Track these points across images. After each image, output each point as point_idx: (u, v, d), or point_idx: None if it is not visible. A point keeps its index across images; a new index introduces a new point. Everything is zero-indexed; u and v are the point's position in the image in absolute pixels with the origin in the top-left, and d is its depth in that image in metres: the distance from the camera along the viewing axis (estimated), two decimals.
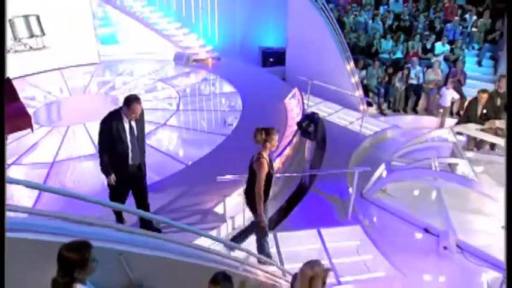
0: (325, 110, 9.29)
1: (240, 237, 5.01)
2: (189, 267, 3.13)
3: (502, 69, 9.91)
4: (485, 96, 7.41)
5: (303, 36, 10.63)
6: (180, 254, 3.13)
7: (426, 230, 5.89)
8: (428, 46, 10.76)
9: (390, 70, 10.08)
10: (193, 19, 13.52)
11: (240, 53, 13.11)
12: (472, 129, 7.28)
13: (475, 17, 11.48)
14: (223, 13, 13.23)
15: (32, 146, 7.27)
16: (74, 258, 2.27)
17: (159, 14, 13.63)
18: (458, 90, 9.50)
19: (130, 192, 4.77)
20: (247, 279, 3.42)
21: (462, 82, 9.81)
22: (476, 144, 7.53)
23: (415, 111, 10.03)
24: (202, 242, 3.98)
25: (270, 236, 5.19)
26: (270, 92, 9.75)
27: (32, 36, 11.06)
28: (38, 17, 11.07)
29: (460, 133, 7.51)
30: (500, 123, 7.32)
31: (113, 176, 4.49)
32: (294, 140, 6.69)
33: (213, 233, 5.00)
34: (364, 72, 10.22)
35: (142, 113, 4.52)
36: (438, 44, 10.79)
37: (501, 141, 7.15)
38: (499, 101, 7.56)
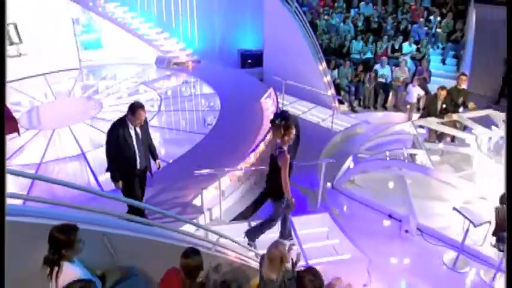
0: (299, 108, 9.81)
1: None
2: (167, 247, 3.54)
3: (464, 66, 10.59)
4: (443, 92, 7.98)
5: (279, 38, 11.10)
6: (159, 236, 3.58)
7: (390, 216, 6.40)
8: (396, 46, 11.35)
9: (360, 68, 10.61)
10: (174, 24, 13.88)
11: (219, 55, 13.52)
12: (433, 122, 7.85)
13: (439, 18, 12.11)
14: (202, 17, 13.61)
15: (19, 148, 7.57)
16: (62, 239, 2.65)
17: (140, 19, 13.96)
18: (423, 87, 10.06)
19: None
20: (217, 258, 3.87)
21: (427, 79, 10.43)
22: (438, 136, 8.11)
23: (384, 107, 10.59)
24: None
25: (246, 225, 5.66)
26: (248, 92, 10.19)
27: (11, 44, 11.25)
28: (15, 26, 11.22)
29: (422, 126, 8.10)
30: (458, 117, 7.93)
31: (120, 182, 4.78)
32: (268, 137, 7.17)
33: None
34: (335, 72, 10.74)
35: (145, 119, 4.87)
36: (405, 44, 11.40)
37: (459, 133, 7.76)
38: (460, 99, 8.17)
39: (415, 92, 9.80)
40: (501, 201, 5.09)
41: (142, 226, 3.51)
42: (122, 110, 8.97)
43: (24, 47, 11.50)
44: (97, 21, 13.66)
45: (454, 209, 5.42)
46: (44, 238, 2.68)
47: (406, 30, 11.95)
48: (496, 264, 5.20)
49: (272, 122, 7.16)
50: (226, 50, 13.57)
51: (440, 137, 8.14)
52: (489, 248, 5.58)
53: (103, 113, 9.16)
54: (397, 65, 10.77)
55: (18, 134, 6.73)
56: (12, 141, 7.49)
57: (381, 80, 10.44)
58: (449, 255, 5.60)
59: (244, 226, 5.60)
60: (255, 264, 4.41)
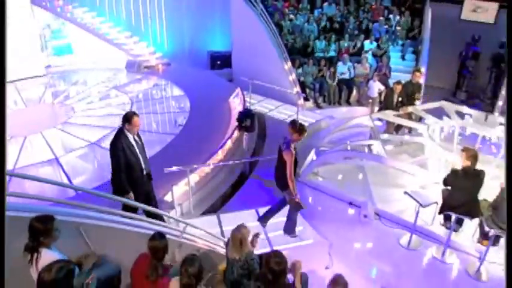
0: (267, 106, 10.23)
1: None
2: (138, 235, 3.88)
3: (422, 62, 11.22)
4: (399, 87, 8.54)
5: (246, 39, 11.46)
6: (131, 225, 3.91)
7: (351, 204, 6.85)
8: (358, 44, 11.91)
9: (323, 63, 11.08)
10: (143, 28, 14.03)
11: (189, 57, 13.75)
12: (390, 115, 8.39)
13: (398, 17, 12.74)
14: (171, 21, 13.78)
15: None
16: (40, 227, 2.96)
17: (109, 24, 14.03)
18: (384, 82, 10.61)
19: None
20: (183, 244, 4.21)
21: (388, 75, 11.00)
22: (396, 128, 8.66)
23: (348, 103, 11.11)
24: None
25: (215, 217, 6.02)
26: (216, 93, 10.48)
27: None
28: None
29: (381, 119, 8.63)
30: (413, 109, 8.50)
31: (131, 194, 4.86)
32: (234, 135, 7.54)
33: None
34: (300, 71, 11.18)
35: None
36: (367, 42, 11.97)
37: (413, 124, 8.32)
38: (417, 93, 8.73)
39: (376, 87, 10.33)
40: (444, 183, 5.61)
41: (117, 218, 3.84)
42: (93, 115, 9.31)
43: None
44: (68, 26, 13.69)
45: (405, 193, 5.90)
46: (24, 229, 2.97)
47: (367, 29, 12.52)
48: (444, 241, 5.72)
49: (238, 120, 7.63)
50: (195, 52, 13.82)
51: (398, 128, 8.69)
52: (438, 227, 6.11)
53: (74, 118, 9.33)
54: (359, 61, 11.31)
55: None
56: None
57: (343, 76, 10.95)
58: (404, 236, 6.03)
59: (213, 219, 5.97)
60: (223, 252, 4.77)
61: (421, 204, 5.54)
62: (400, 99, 8.52)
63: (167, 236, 3.61)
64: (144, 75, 12.58)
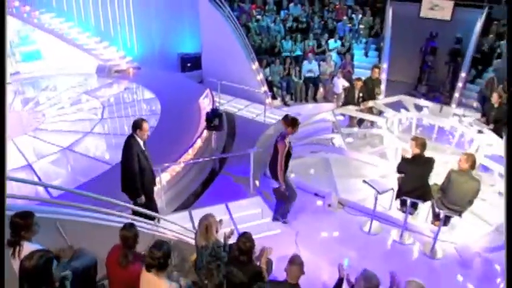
0: (236, 106, 10.56)
1: None
2: (111, 228, 4.11)
3: (384, 58, 11.78)
4: (359, 83, 9.02)
5: (214, 41, 11.73)
6: (105, 220, 4.17)
7: (316, 194, 7.25)
8: (323, 43, 12.38)
9: (288, 61, 11.47)
10: (112, 32, 14.07)
11: (160, 60, 13.82)
12: (352, 110, 8.86)
13: (360, 16, 13.29)
14: (140, 24, 13.84)
15: None
16: (20, 222, 3.21)
17: (78, 29, 14.02)
18: (348, 78, 11.10)
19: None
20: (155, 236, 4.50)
21: (351, 71, 11.51)
22: (358, 122, 9.13)
23: (315, 99, 11.56)
24: None
25: (186, 213, 6.30)
26: (186, 94, 10.67)
27: None
28: None
29: (343, 114, 9.09)
30: (373, 103, 9.00)
31: (142, 197, 5.16)
32: (204, 134, 7.82)
33: None
34: (267, 70, 11.55)
35: None
36: (331, 41, 12.46)
37: (373, 118, 8.80)
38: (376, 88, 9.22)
39: (340, 83, 10.79)
40: (398, 170, 6.06)
41: (91, 213, 4.09)
42: (65, 120, 9.37)
43: None
44: (36, 32, 13.60)
45: (364, 181, 6.33)
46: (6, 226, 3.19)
47: (331, 28, 13.00)
48: (401, 224, 6.16)
49: (207, 120, 7.92)
50: (166, 55, 13.94)
51: (360, 122, 9.16)
52: (396, 212, 6.56)
53: (46, 124, 9.40)
54: (324, 60, 11.76)
55: None
56: None
57: (309, 75, 11.37)
58: (366, 222, 6.44)
59: (185, 214, 6.26)
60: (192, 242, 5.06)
61: (378, 192, 5.97)
62: (361, 94, 8.99)
63: (140, 228, 3.89)
64: (114, 79, 12.63)
